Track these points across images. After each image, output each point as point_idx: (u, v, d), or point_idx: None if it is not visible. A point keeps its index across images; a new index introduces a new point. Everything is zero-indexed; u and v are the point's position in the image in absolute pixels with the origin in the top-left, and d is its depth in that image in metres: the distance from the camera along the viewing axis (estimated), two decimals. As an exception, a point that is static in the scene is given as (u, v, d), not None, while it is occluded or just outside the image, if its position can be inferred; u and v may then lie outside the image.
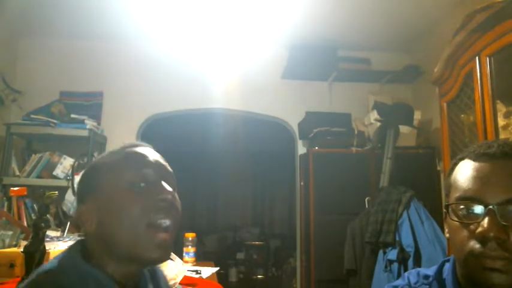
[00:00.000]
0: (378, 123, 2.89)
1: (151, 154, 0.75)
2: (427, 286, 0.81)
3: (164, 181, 0.72)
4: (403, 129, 2.83)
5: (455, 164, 0.79)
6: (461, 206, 0.72)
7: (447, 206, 0.75)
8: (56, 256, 0.70)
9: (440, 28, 2.93)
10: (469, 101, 1.87)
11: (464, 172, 0.74)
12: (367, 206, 2.69)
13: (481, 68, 1.75)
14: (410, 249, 2.21)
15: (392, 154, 2.64)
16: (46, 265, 0.67)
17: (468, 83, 1.87)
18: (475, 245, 0.68)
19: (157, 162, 0.74)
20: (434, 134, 3.01)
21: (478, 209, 0.69)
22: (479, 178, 0.71)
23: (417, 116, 2.93)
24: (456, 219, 0.72)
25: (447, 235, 0.79)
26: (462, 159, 0.78)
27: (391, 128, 2.73)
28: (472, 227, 0.69)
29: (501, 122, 1.68)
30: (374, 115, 2.97)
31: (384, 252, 2.33)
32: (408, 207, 2.33)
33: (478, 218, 0.69)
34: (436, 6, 2.75)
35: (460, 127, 2.01)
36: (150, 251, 0.66)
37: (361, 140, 3.03)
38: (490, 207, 0.68)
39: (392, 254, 2.25)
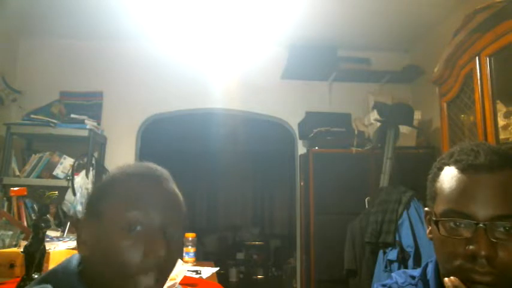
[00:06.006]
0: (378, 123, 2.89)
1: (160, 189, 0.71)
2: (414, 286, 0.82)
3: (165, 223, 0.69)
4: (403, 129, 2.83)
5: (440, 169, 0.77)
6: (449, 219, 0.71)
7: (436, 222, 0.73)
8: (50, 272, 0.70)
9: (440, 28, 2.93)
10: (469, 101, 1.88)
11: (451, 183, 0.73)
12: (367, 206, 2.69)
13: (481, 68, 1.75)
14: (410, 249, 2.21)
15: (392, 154, 2.64)
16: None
17: (468, 83, 1.88)
18: (464, 262, 0.68)
19: (163, 201, 0.70)
20: (434, 134, 3.01)
21: (467, 225, 0.69)
22: (467, 193, 0.70)
23: (417, 116, 2.93)
24: (444, 232, 0.71)
25: (429, 236, 0.79)
26: (447, 164, 0.76)
27: (391, 128, 2.72)
28: (460, 240, 0.69)
29: (501, 122, 1.68)
30: (374, 115, 2.97)
31: (384, 253, 2.32)
32: (408, 207, 2.33)
33: (466, 232, 0.69)
34: (436, 6, 2.75)
35: (460, 127, 2.01)
36: None
37: (361, 140, 3.03)
38: (481, 225, 0.67)
39: (393, 254, 2.25)
